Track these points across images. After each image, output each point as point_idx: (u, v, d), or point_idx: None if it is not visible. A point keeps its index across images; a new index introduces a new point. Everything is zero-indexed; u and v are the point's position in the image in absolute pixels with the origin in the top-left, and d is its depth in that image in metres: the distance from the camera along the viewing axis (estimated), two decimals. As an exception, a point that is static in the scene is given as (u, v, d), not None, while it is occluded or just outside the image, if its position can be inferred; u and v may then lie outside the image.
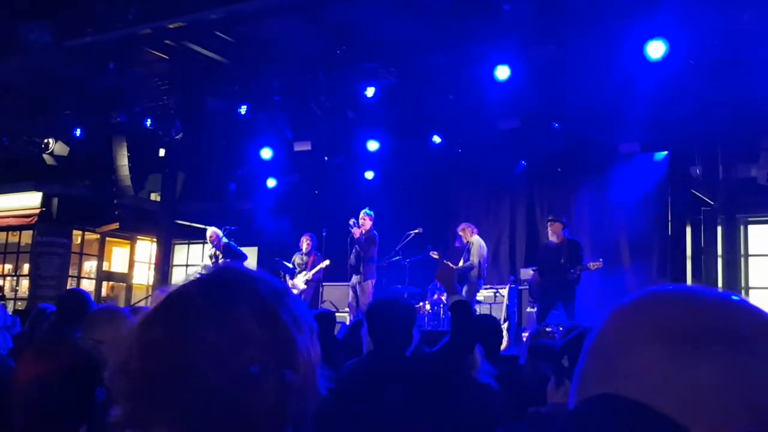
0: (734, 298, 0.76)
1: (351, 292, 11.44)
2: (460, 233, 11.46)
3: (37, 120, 16.04)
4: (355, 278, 11.33)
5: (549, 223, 10.55)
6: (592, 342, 0.78)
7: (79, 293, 4.56)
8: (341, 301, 12.26)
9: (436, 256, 11.48)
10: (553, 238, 10.33)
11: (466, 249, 11.30)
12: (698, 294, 0.76)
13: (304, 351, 1.04)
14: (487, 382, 3.83)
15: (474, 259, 11.12)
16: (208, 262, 11.97)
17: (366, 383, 3.35)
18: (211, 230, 12.27)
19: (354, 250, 11.39)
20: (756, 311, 0.74)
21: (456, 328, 3.70)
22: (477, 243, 11.27)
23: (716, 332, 0.71)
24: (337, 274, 12.39)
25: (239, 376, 0.98)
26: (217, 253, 12.02)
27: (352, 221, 11.45)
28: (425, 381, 3.37)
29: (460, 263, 11.22)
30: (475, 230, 11.51)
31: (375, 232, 11.38)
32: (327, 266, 12.08)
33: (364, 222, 11.33)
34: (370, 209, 11.54)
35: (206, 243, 12.76)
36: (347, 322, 10.46)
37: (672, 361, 0.70)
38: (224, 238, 11.99)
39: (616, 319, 0.78)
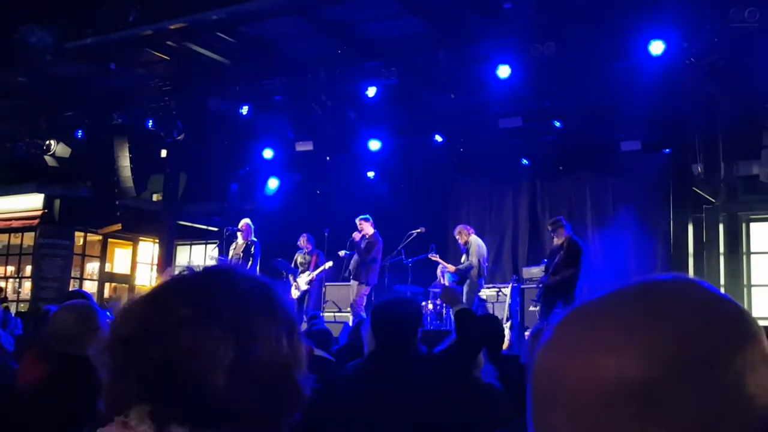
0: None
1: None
2: (456, 236, 11.45)
3: (39, 122, 16.04)
4: (353, 282, 11.28)
5: (551, 230, 10.58)
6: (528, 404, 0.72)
7: (82, 295, 4.57)
8: (344, 300, 12.26)
9: (435, 258, 11.49)
10: (557, 240, 10.36)
11: (464, 250, 11.30)
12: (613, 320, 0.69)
13: (275, 339, 1.09)
14: (490, 381, 3.83)
15: (473, 258, 11.12)
16: (231, 253, 11.88)
17: (370, 383, 3.35)
18: (245, 221, 12.01)
19: (354, 255, 11.36)
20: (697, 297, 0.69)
21: (461, 333, 3.68)
22: (475, 243, 11.27)
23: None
24: (339, 274, 12.39)
25: (203, 345, 1.04)
26: (241, 244, 11.77)
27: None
28: (429, 381, 3.37)
29: (461, 264, 11.25)
30: (471, 230, 11.50)
31: (378, 236, 11.33)
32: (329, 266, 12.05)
33: (363, 227, 11.28)
34: (365, 214, 11.47)
35: (210, 243, 12.63)
36: (350, 323, 10.46)
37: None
38: (254, 235, 11.91)
39: (541, 382, 0.71)
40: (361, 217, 11.42)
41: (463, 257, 11.39)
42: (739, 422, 0.65)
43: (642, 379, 0.64)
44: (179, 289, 1.11)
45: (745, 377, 0.65)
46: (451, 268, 11.22)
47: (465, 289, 10.87)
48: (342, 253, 11.67)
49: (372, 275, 11.21)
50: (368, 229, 11.29)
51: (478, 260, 11.12)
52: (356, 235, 11.23)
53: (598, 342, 0.68)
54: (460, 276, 11.02)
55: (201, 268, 1.17)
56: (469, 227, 11.58)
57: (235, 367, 1.04)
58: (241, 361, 1.05)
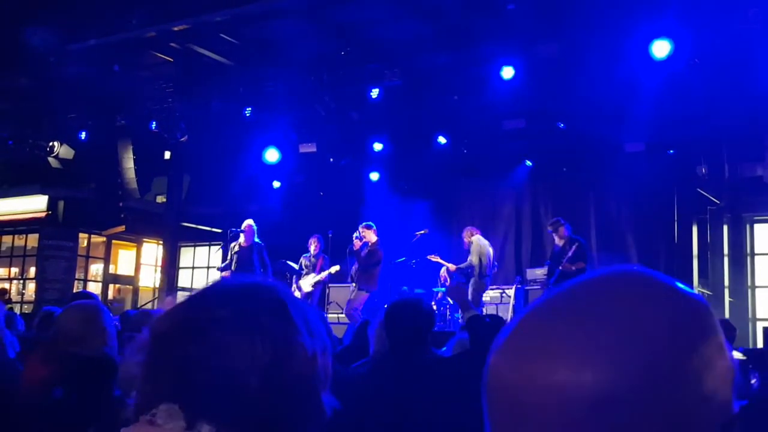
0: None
1: None
2: (463, 236, 11.48)
3: (43, 123, 16.08)
4: (353, 285, 11.16)
5: (551, 230, 10.58)
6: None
7: (88, 296, 4.57)
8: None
9: (435, 259, 11.49)
10: (558, 240, 10.36)
11: (468, 249, 11.31)
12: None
13: (310, 352, 1.10)
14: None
15: (473, 258, 11.10)
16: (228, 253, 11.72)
17: (382, 382, 3.35)
18: (248, 222, 11.77)
19: (354, 263, 11.18)
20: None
21: (475, 343, 3.64)
22: (476, 242, 11.26)
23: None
24: (343, 275, 12.38)
25: (239, 345, 1.05)
26: (243, 245, 11.60)
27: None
28: (440, 382, 3.37)
29: (462, 263, 11.27)
30: (477, 231, 11.49)
31: (380, 245, 11.04)
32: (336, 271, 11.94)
33: (366, 234, 11.06)
34: (368, 222, 11.24)
35: (213, 245, 12.54)
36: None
37: None
38: (257, 237, 11.73)
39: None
40: (365, 224, 11.19)
41: (468, 257, 11.40)
42: (703, 420, 0.62)
43: (600, 390, 0.60)
44: (218, 291, 1.13)
45: (705, 374, 0.63)
46: (451, 267, 11.24)
47: (470, 288, 10.86)
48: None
49: (372, 283, 11.05)
50: (371, 236, 11.07)
51: (479, 259, 11.09)
52: (357, 243, 11.04)
53: (551, 351, 0.63)
54: (464, 276, 11.03)
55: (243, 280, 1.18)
56: (475, 228, 11.59)
57: (270, 372, 1.05)
58: (276, 366, 1.06)
